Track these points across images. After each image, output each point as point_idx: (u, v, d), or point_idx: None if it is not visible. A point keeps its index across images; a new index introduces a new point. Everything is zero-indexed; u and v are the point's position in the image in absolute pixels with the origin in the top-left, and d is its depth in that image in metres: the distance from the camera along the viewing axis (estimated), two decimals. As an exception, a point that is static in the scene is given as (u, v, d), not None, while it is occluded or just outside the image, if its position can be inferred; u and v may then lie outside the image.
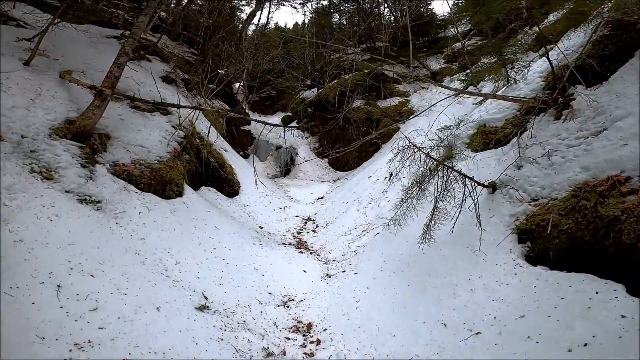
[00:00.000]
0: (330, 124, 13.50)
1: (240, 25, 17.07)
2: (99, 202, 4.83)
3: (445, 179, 4.44)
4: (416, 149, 4.54)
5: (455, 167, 4.98)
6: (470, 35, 15.72)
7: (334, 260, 6.74)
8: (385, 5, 18.69)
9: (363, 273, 5.80)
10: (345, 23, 18.24)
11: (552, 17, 11.03)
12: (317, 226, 8.47)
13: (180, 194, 6.38)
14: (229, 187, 8.51)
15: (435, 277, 4.55)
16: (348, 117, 13.34)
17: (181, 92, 10.19)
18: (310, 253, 7.09)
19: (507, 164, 5.33)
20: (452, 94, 8.00)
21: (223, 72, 14.04)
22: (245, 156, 13.28)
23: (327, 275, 6.21)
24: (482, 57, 10.19)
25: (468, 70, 11.86)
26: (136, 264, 4.34)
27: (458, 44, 15.56)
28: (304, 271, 6.20)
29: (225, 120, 12.21)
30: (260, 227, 7.74)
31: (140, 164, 5.96)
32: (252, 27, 17.94)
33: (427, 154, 4.58)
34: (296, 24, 21.76)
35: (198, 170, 7.68)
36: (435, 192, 4.57)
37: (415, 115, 9.61)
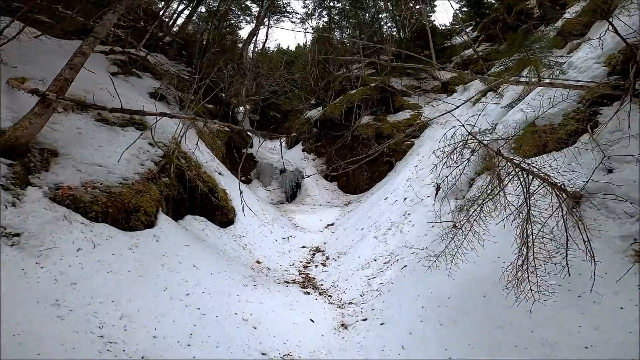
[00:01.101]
0: (337, 142, 12.11)
1: (241, 45, 16.11)
2: (16, 235, 3.36)
3: (525, 188, 2.86)
4: (479, 144, 2.99)
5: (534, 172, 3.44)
6: (479, 42, 14.50)
7: (350, 303, 5.09)
8: (385, 19, 17.73)
9: (393, 324, 4.14)
10: (346, 40, 17.21)
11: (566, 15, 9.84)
12: (328, 258, 6.84)
13: (150, 225, 4.88)
14: (222, 216, 7.00)
15: (515, 332, 2.91)
16: (356, 134, 11.95)
17: (172, 109, 8.92)
18: (320, 293, 5.45)
19: (586, 167, 3.76)
20: (485, 88, 6.58)
21: (224, 95, 12.88)
22: (248, 181, 11.86)
23: (342, 325, 4.55)
24: (502, 56, 8.84)
25: (488, 72, 10.44)
26: (50, 319, 2.80)
27: (467, 51, 14.34)
28: (311, 320, 4.55)
29: (225, 143, 10.89)
30: (258, 262, 6.15)
31: (95, 187, 4.50)
32: (252, 47, 17.01)
33: (498, 152, 3.04)
34: (298, 46, 20.90)
35: (181, 196, 6.22)
36: (526, 208, 2.95)
37: (431, 120, 8.14)
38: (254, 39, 14.16)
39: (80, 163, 4.70)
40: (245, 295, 4.65)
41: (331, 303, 5.15)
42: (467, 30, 16.74)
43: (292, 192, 11.52)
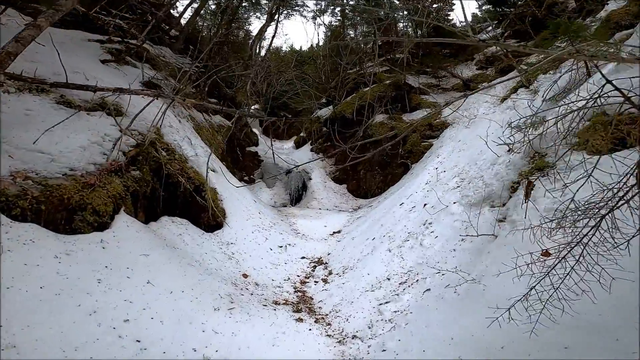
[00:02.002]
0: (349, 141, 10.86)
1: (250, 41, 15.08)
2: None
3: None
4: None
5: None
6: (504, 38, 13.11)
7: (354, 337, 3.83)
8: (400, 18, 16.52)
9: (413, 381, 2.87)
10: (360, 37, 16.00)
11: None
12: (330, 273, 5.58)
13: (102, 227, 3.74)
14: (209, 218, 5.83)
15: None
16: (369, 134, 10.69)
17: (167, 102, 7.89)
18: (316, 321, 4.20)
19: None
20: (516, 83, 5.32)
21: (229, 90, 11.83)
22: (251, 181, 10.74)
23: (342, 370, 3.31)
24: (547, 45, 7.50)
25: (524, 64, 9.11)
26: None
27: (492, 48, 12.94)
28: (301, 363, 3.33)
29: (226, 139, 9.79)
30: (245, 276, 4.94)
31: (27, 178, 3.39)
32: (261, 44, 15.99)
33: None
34: (311, 47, 19.86)
35: (155, 194, 5.08)
36: None
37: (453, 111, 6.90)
38: (264, 35, 13.07)
39: (15, 148, 3.61)
40: (214, 322, 3.44)
41: (329, 335, 3.90)
42: (488, 28, 15.37)
43: (298, 195, 10.35)
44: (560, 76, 6.61)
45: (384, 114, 11.27)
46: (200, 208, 5.74)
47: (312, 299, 4.88)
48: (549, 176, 4.08)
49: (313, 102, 14.05)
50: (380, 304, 4.26)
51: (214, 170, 6.88)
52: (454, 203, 5.49)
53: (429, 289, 4.08)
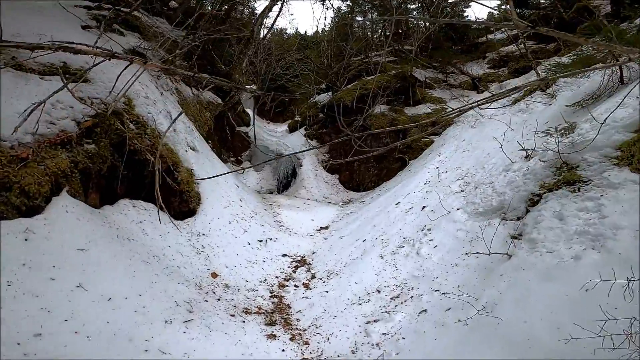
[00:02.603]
0: (348, 129, 10.05)
1: (254, 19, 13.93)
2: None
3: None
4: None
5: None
6: (522, 39, 12.29)
7: (334, 363, 3.14)
8: (412, 10, 15.55)
9: None
10: (368, 23, 14.98)
11: None
12: (314, 277, 4.87)
13: (32, 212, 2.93)
14: (181, 203, 5.04)
15: None
16: (367, 125, 9.89)
17: (152, 72, 6.96)
18: (292, 338, 3.49)
19: None
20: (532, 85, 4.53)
21: (225, 67, 10.81)
22: (239, 163, 9.90)
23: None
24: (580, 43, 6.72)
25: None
26: None
27: (508, 47, 12.16)
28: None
29: (215, 117, 8.89)
30: (214, 276, 4.20)
31: None
32: (267, 22, 14.87)
33: None
34: (316, 32, 18.74)
35: (116, 172, 4.26)
36: None
37: (458, 112, 6.21)
38: (268, 13, 11.96)
39: None
40: (162, 339, 2.70)
41: (305, 358, 3.19)
42: (504, 28, 14.50)
43: (286, 181, 9.56)
44: (587, 79, 5.86)
45: (386, 105, 10.45)
46: (170, 191, 4.94)
47: (290, 307, 4.17)
48: (580, 192, 3.36)
49: (312, 87, 13.13)
50: (368, 322, 3.56)
51: (194, 149, 6.05)
52: (458, 209, 4.78)
53: (425, 310, 3.39)
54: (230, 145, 9.89)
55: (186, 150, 5.74)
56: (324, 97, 12.25)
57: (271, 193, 9.07)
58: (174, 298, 3.24)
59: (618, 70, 4.83)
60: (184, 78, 8.22)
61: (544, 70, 8.37)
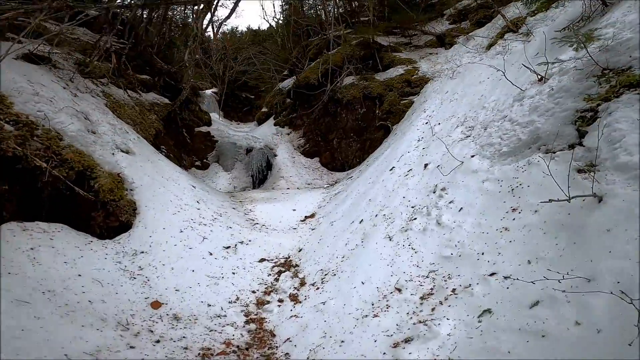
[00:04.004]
0: (314, 107, 8.59)
1: (194, 16, 12.17)
2: None
3: None
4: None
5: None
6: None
7: None
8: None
9: None
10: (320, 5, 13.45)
11: None
12: (303, 283, 3.38)
13: None
14: (107, 218, 3.47)
15: None
16: (339, 98, 8.44)
17: (62, 74, 5.30)
18: (280, 393, 2.01)
19: None
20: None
21: (167, 66, 9.07)
22: (205, 166, 8.27)
23: None
24: None
25: None
26: None
27: (465, 1, 10.94)
28: None
29: (163, 118, 7.24)
30: (156, 306, 2.68)
31: None
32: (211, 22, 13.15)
33: None
34: (270, 27, 17.10)
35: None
36: None
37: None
38: (212, 9, 10.19)
39: None
40: None
41: None
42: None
43: (262, 175, 8.03)
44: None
45: (354, 75, 8.99)
46: (89, 204, 3.36)
47: (274, 335, 2.68)
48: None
49: (273, 75, 11.57)
50: (396, 345, 2.11)
51: (127, 152, 4.43)
52: (473, 157, 3.38)
53: (489, 310, 1.95)
54: (191, 147, 8.26)
55: (113, 153, 4.13)
56: (288, 83, 10.70)
57: (247, 189, 7.50)
58: (64, 351, 1.69)
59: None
60: (113, 80, 6.55)
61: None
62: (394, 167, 4.41)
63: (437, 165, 3.74)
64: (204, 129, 8.80)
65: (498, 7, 7.76)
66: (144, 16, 10.10)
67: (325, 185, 6.85)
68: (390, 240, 3.21)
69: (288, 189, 6.84)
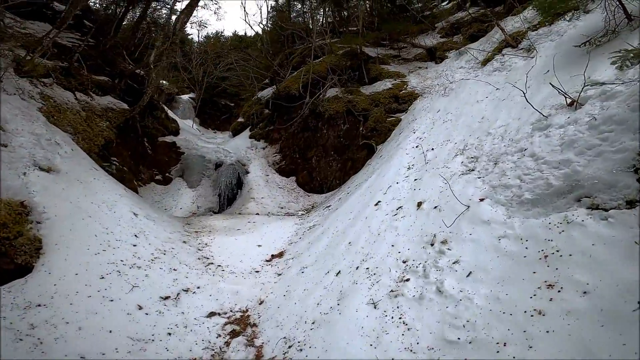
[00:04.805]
0: (293, 120, 7.80)
1: (174, 17, 11.23)
2: None
3: None
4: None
5: None
6: (468, 6, 10.77)
7: None
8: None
9: None
10: (307, 12, 12.87)
11: None
12: (261, 355, 2.52)
13: None
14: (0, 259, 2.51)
15: None
16: (320, 112, 7.70)
17: None
18: None
19: None
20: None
21: (130, 66, 8.06)
22: (167, 181, 7.27)
23: None
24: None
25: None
26: None
27: (457, 14, 10.54)
28: None
29: (117, 126, 6.23)
30: None
31: None
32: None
33: None
34: (256, 34, 16.33)
35: None
36: None
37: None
38: (193, 9, 9.28)
39: None
40: None
41: None
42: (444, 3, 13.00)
43: (232, 194, 7.10)
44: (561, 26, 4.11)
45: (338, 87, 8.30)
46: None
47: None
48: None
49: (253, 84, 10.75)
50: None
51: (48, 170, 3.47)
52: (481, 200, 2.66)
53: None
54: (152, 160, 7.26)
55: (24, 173, 3.17)
56: (268, 92, 9.90)
57: (211, 213, 6.55)
58: None
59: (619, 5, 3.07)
60: (61, 82, 5.54)
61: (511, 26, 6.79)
62: (379, 202, 3.65)
63: (435, 205, 3.00)
64: (169, 138, 7.83)
65: (496, 20, 7.32)
66: (119, 13, 9.15)
67: (300, 213, 6.02)
68: (374, 307, 2.41)
69: (257, 214, 5.96)
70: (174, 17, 11.04)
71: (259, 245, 4.17)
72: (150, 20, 11.46)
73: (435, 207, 2.93)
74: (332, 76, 7.94)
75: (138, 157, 6.93)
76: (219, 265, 3.67)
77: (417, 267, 2.53)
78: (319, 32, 11.60)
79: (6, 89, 4.34)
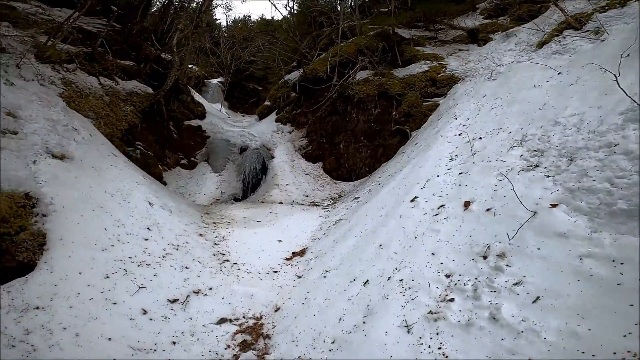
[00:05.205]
0: (321, 104, 7.31)
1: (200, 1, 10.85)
2: None
3: None
4: None
5: None
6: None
7: None
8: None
9: None
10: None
11: None
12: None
13: None
14: (1, 256, 2.32)
15: None
16: (349, 95, 7.11)
17: (4, 59, 4.14)
18: None
19: None
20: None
21: (155, 49, 7.82)
22: (192, 165, 7.10)
23: None
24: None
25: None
26: None
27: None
28: None
29: (141, 110, 6.04)
30: None
31: None
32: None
33: None
34: (284, 17, 15.71)
35: None
36: None
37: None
38: None
39: None
40: None
41: None
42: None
43: (256, 180, 6.81)
44: None
45: (369, 70, 7.64)
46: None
47: None
48: None
49: (280, 67, 10.27)
50: None
51: (61, 157, 3.27)
52: (553, 206, 2.09)
53: None
54: (179, 144, 7.10)
55: (34, 161, 2.97)
56: (295, 75, 9.40)
57: (235, 200, 6.28)
58: None
59: None
60: (84, 67, 5.37)
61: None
62: (416, 198, 3.12)
63: (487, 207, 2.45)
64: (194, 122, 7.61)
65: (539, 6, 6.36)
66: None
67: (326, 202, 5.59)
68: (408, 331, 1.96)
69: (280, 203, 5.61)
70: (196, 1, 10.70)
71: (280, 241, 3.80)
72: (178, 4, 11.19)
73: (488, 210, 2.39)
74: (362, 58, 7.30)
75: (163, 141, 6.78)
76: (235, 263, 3.35)
77: (464, 284, 2.03)
78: (347, 13, 10.84)
79: (24, 75, 4.20)
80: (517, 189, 2.37)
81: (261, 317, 2.78)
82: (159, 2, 11.16)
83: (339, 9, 11.49)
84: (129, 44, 6.95)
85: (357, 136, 6.86)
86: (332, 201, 5.77)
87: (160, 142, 6.65)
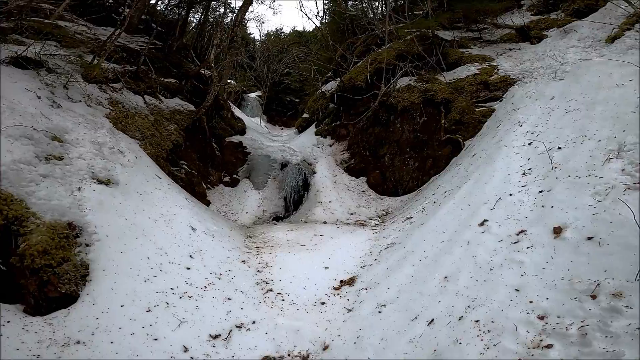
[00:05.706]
0: (363, 116, 7.00)
1: (232, 15, 11.16)
2: None
3: None
4: None
5: None
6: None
7: None
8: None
9: None
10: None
11: None
12: None
13: None
14: (44, 287, 2.31)
15: None
16: (392, 103, 6.74)
17: (50, 80, 4.34)
18: None
19: None
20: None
21: (194, 65, 8.06)
22: (234, 182, 7.09)
23: None
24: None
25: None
26: None
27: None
28: None
29: (184, 128, 6.16)
30: None
31: None
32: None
33: None
34: (316, 27, 15.81)
35: None
36: None
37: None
38: (248, 7, 8.97)
39: None
40: None
41: None
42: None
43: (298, 197, 6.62)
44: None
45: (410, 76, 7.25)
46: (18, 268, 2.19)
47: None
48: None
49: (315, 77, 10.19)
50: None
51: (107, 182, 3.28)
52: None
53: None
54: (221, 161, 7.16)
55: (79, 188, 2.98)
56: (332, 85, 9.24)
57: (277, 220, 6.12)
58: None
59: None
60: (130, 86, 5.57)
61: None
62: (486, 222, 2.69)
63: (588, 235, 1.98)
64: (235, 138, 7.66)
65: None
66: (182, 15, 9.33)
67: (374, 222, 5.21)
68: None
69: (324, 222, 5.34)
70: (230, 16, 10.96)
71: (326, 267, 3.50)
72: (213, 20, 11.60)
73: (590, 239, 1.92)
74: (403, 64, 6.92)
75: (206, 158, 6.85)
76: (279, 293, 3.10)
77: (567, 328, 1.59)
78: (380, 18, 10.54)
79: (72, 96, 4.35)
80: (630, 212, 1.89)
81: (308, 356, 2.49)
82: (196, 18, 11.69)
83: (370, 15, 11.25)
84: (169, 61, 7.20)
85: (403, 147, 6.45)
86: (379, 220, 5.38)
87: (204, 159, 6.73)
